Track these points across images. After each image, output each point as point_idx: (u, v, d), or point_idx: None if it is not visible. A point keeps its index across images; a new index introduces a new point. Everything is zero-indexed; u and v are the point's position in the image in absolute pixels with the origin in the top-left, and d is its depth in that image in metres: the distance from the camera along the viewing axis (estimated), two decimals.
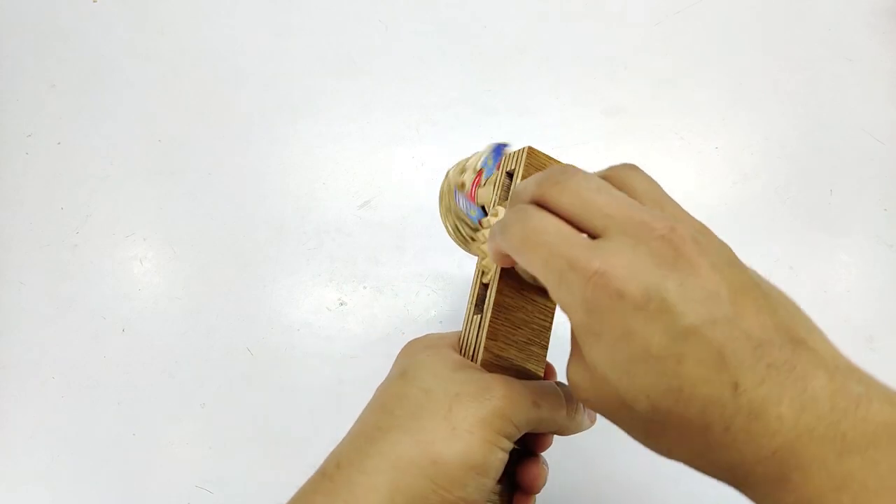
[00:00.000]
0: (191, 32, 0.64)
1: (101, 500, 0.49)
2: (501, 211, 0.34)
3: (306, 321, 0.53)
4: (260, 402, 0.51)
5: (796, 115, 0.60)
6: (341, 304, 0.54)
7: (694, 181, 0.57)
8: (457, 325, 0.53)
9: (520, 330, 0.32)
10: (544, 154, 0.33)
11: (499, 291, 0.32)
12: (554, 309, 0.33)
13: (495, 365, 0.31)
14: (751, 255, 0.51)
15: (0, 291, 0.55)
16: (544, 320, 0.33)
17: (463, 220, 0.40)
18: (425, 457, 0.26)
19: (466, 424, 0.26)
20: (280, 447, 0.50)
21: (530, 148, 0.33)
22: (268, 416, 0.51)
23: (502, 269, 0.32)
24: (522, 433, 0.28)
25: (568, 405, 0.30)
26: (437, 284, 0.54)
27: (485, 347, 0.31)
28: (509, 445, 0.28)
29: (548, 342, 0.33)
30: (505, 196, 0.34)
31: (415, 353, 0.33)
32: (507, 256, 0.26)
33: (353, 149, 0.59)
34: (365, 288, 0.54)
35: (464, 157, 0.41)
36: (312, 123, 0.60)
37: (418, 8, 0.64)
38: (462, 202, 0.40)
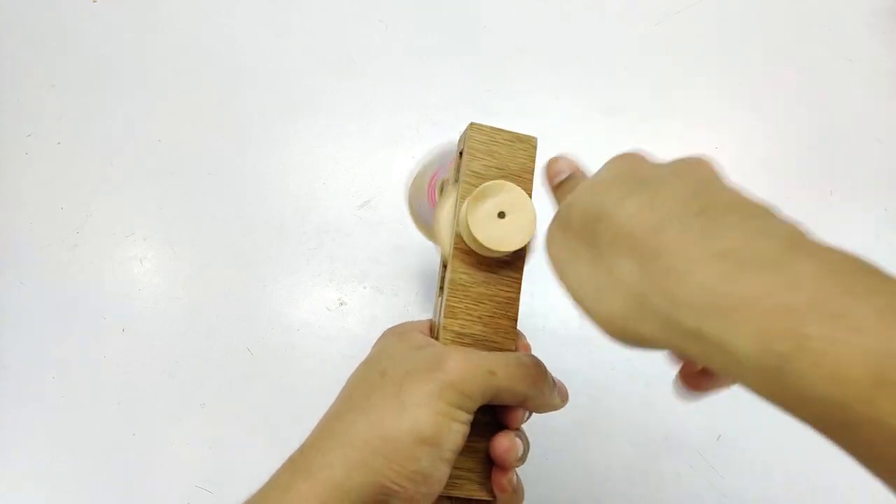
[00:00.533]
0: (191, 32, 0.64)
1: (101, 500, 0.49)
2: (453, 192, 0.34)
3: (306, 321, 0.53)
4: (260, 402, 0.51)
5: (796, 115, 0.60)
6: (341, 304, 0.54)
7: None
8: None
9: (482, 305, 0.32)
10: (487, 126, 0.34)
11: (453, 270, 0.32)
12: (519, 279, 0.33)
13: (459, 343, 0.32)
14: None
15: (0, 291, 0.55)
16: (510, 291, 0.33)
17: (422, 224, 0.43)
18: (376, 434, 0.27)
19: (415, 399, 0.27)
20: (280, 447, 0.50)
21: (472, 123, 0.34)
22: (268, 416, 0.51)
23: (458, 249, 0.32)
24: (480, 404, 0.28)
25: (535, 374, 0.30)
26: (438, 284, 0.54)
27: (443, 326, 0.32)
28: (466, 417, 0.28)
29: (516, 313, 0.33)
30: (456, 176, 0.34)
31: (384, 339, 0.33)
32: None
33: (353, 149, 0.59)
34: (365, 288, 0.54)
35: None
36: (312, 123, 0.60)
37: (418, 8, 0.64)
38: (420, 207, 0.43)
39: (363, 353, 0.55)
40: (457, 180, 0.34)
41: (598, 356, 0.52)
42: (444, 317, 0.32)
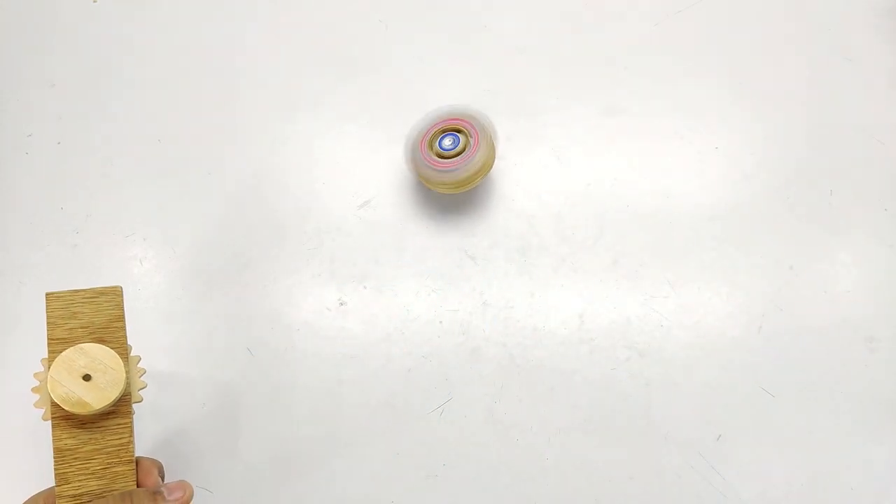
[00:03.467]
0: (191, 32, 0.64)
1: None
2: (48, 363, 0.35)
3: (306, 321, 0.53)
4: (260, 401, 0.51)
5: (796, 115, 0.60)
6: (341, 304, 0.54)
7: (694, 181, 0.57)
8: (456, 326, 0.53)
9: (94, 460, 0.34)
10: (65, 292, 0.36)
11: (57, 438, 0.34)
12: (128, 423, 0.35)
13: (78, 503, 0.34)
14: (751, 255, 0.52)
15: (0, 291, 0.55)
16: (121, 438, 0.35)
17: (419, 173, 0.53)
18: None
19: None
20: (280, 447, 0.50)
21: (47, 294, 0.35)
22: (268, 416, 0.51)
23: (56, 417, 0.34)
24: None
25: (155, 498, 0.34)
26: (437, 284, 0.54)
27: (58, 494, 0.34)
28: None
29: (132, 454, 0.35)
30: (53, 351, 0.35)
31: None
32: None
33: (353, 149, 0.59)
34: (365, 288, 0.54)
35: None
36: (312, 123, 0.60)
37: (418, 7, 0.64)
38: (415, 159, 0.53)
39: (363, 352, 0.54)
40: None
41: (598, 356, 0.52)
42: (57, 485, 0.34)
